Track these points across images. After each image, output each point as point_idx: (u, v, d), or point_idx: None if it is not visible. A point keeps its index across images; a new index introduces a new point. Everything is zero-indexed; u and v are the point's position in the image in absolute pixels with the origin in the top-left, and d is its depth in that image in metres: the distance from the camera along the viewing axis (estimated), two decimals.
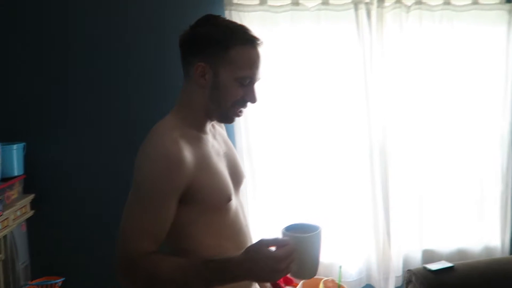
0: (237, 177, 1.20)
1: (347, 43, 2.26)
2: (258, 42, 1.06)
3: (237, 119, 1.15)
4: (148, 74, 2.22)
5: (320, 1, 2.21)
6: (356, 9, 2.22)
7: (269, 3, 2.18)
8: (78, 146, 2.21)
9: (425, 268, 1.88)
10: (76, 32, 2.17)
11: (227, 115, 1.11)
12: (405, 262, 2.43)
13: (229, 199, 1.10)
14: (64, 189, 2.21)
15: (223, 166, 1.14)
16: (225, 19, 1.15)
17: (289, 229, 1.02)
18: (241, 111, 1.11)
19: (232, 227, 1.13)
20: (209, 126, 1.16)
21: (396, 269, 2.41)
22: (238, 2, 2.17)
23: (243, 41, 1.04)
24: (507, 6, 2.35)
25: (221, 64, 1.05)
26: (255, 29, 1.11)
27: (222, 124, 1.28)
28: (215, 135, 1.20)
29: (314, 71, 2.25)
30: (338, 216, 2.33)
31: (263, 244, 0.94)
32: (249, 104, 1.11)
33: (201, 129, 1.12)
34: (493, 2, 2.36)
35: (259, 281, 0.99)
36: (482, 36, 2.36)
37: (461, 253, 2.48)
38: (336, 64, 2.26)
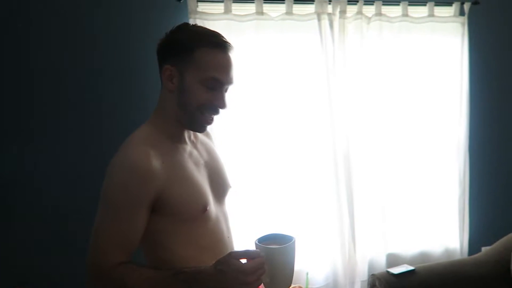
0: (219, 187, 1.18)
1: (311, 52, 2.30)
2: (227, 46, 1.05)
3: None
4: (117, 83, 2.18)
5: (284, 11, 2.25)
6: (319, 19, 2.27)
7: (234, 12, 2.19)
8: (32, 156, 2.13)
9: (388, 272, 1.93)
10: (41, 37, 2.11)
11: (196, 121, 1.08)
12: (370, 266, 2.48)
13: (204, 209, 1.08)
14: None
15: (201, 176, 1.13)
16: (199, 26, 1.15)
17: (263, 240, 1.01)
18: (211, 119, 1.09)
19: (210, 238, 1.11)
20: (187, 135, 1.14)
21: (362, 274, 2.45)
22: (203, 10, 2.18)
23: (209, 44, 1.04)
24: (461, 18, 2.47)
25: (187, 67, 1.04)
26: None
27: (209, 134, 1.29)
28: (196, 144, 1.18)
29: (278, 80, 2.27)
30: (304, 223, 2.35)
31: (232, 256, 0.94)
32: (220, 110, 1.08)
33: (176, 138, 1.11)
34: (448, 15, 2.48)
35: None
36: (438, 47, 2.46)
37: (423, 256, 2.56)
38: (300, 73, 2.30)
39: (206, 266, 0.97)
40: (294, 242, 0.99)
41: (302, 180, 2.35)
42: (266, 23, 2.22)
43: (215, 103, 1.06)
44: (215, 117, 1.11)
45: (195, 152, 1.15)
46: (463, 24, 2.47)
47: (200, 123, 1.09)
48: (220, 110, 1.08)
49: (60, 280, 2.08)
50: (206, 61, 1.03)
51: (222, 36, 1.07)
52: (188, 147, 1.14)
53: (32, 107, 2.13)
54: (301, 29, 2.27)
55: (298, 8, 2.27)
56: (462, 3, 2.46)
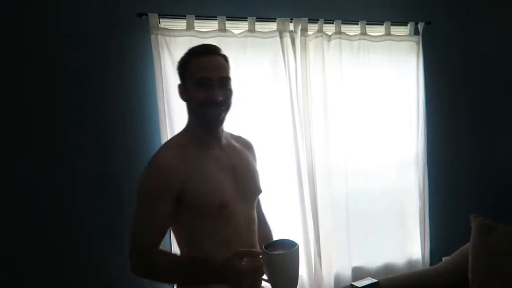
0: (246, 189, 1.30)
1: (273, 68, 2.33)
2: (209, 51, 1.24)
3: None
4: (83, 102, 2.13)
5: (247, 29, 2.27)
6: (281, 37, 2.31)
7: (197, 28, 2.20)
8: None
9: (352, 285, 1.94)
10: None
11: (205, 119, 1.24)
12: (336, 280, 2.50)
13: (221, 206, 1.21)
14: None
15: (224, 177, 1.26)
16: (197, 45, 1.31)
17: (272, 244, 1.09)
18: (218, 113, 1.23)
19: (229, 234, 1.23)
20: (216, 141, 1.29)
21: None
22: (165, 26, 2.17)
23: (195, 54, 1.24)
24: (416, 38, 2.59)
25: (186, 78, 1.24)
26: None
27: (251, 146, 1.46)
28: (226, 150, 1.32)
29: (241, 96, 2.27)
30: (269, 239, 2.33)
31: (236, 254, 1.08)
32: (219, 103, 1.21)
33: (202, 143, 1.27)
34: (404, 34, 2.60)
35: (232, 285, 1.09)
36: (395, 64, 2.57)
37: (387, 268, 2.61)
38: (262, 89, 2.32)
39: (218, 259, 1.10)
40: (295, 249, 1.05)
41: (266, 194, 2.33)
42: (228, 40, 2.24)
43: (211, 98, 1.20)
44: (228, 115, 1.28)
45: (222, 156, 1.29)
46: (417, 42, 2.59)
47: (209, 120, 1.24)
48: (218, 103, 1.21)
49: None
50: (194, 68, 1.22)
51: (208, 44, 1.30)
52: (215, 151, 1.28)
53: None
54: (263, 46, 2.30)
55: (260, 26, 2.31)
56: (417, 23, 2.59)
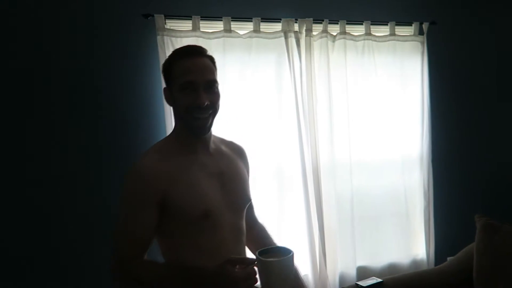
0: (233, 198, 1.24)
1: (278, 69, 2.34)
2: (193, 52, 1.18)
3: None
4: (88, 102, 2.14)
5: (252, 29, 2.29)
6: (285, 37, 2.32)
7: (202, 29, 2.21)
8: None
9: (357, 285, 1.94)
10: None
11: (191, 125, 1.17)
12: (341, 280, 2.50)
13: (205, 215, 1.14)
14: None
15: (209, 184, 1.20)
16: (180, 47, 1.26)
17: (266, 251, 1.06)
18: (204, 119, 1.16)
19: (213, 244, 1.17)
20: (202, 147, 1.23)
21: (333, 287, 2.46)
22: (171, 27, 2.18)
23: (178, 56, 1.18)
24: (420, 37, 2.59)
25: (171, 82, 1.19)
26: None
27: (243, 152, 1.38)
28: (214, 156, 1.26)
29: (246, 97, 2.29)
30: (273, 237, 2.33)
31: (228, 261, 1.04)
32: (204, 108, 1.14)
33: (187, 148, 1.21)
34: (408, 34, 2.60)
35: None
36: (400, 64, 2.57)
37: (392, 268, 2.62)
38: (267, 89, 2.34)
39: (208, 266, 1.06)
40: (290, 256, 1.02)
41: (271, 193, 2.36)
42: (234, 40, 2.26)
43: (196, 103, 1.13)
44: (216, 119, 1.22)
45: (209, 162, 1.23)
46: (422, 42, 2.59)
47: (194, 125, 1.17)
48: (204, 107, 1.14)
49: None
50: (178, 71, 1.16)
51: (192, 46, 1.24)
52: (202, 157, 1.22)
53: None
54: (268, 47, 2.32)
55: (265, 26, 2.32)
56: (421, 23, 2.59)
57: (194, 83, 1.14)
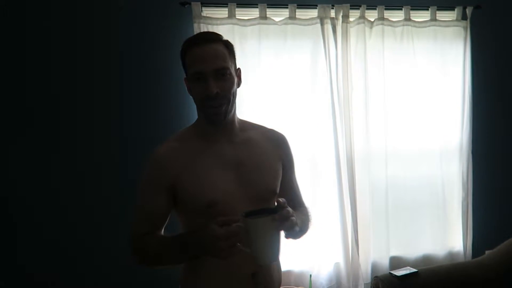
0: (250, 189, 1.18)
1: (314, 56, 2.32)
2: (201, 40, 1.15)
3: None
4: (125, 88, 2.22)
5: (287, 16, 2.27)
6: (322, 24, 2.30)
7: (238, 16, 2.23)
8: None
9: (391, 274, 1.93)
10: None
11: (206, 115, 1.17)
12: (374, 269, 2.49)
13: (210, 205, 1.12)
14: None
15: (222, 173, 1.16)
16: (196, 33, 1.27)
17: (254, 213, 1.01)
18: (218, 108, 1.13)
19: None
20: (224, 135, 1.20)
21: (365, 276, 2.46)
22: (207, 15, 2.21)
23: (189, 45, 1.15)
24: (463, 22, 2.49)
25: (187, 72, 1.17)
26: None
27: (279, 137, 1.31)
28: (238, 145, 1.21)
29: (281, 84, 2.30)
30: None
31: (215, 221, 1.01)
32: (217, 98, 1.11)
33: (207, 136, 1.20)
34: (450, 19, 2.50)
35: (210, 255, 1.02)
36: (441, 51, 2.48)
37: (426, 259, 2.57)
38: (303, 76, 2.32)
39: (197, 229, 1.06)
40: (272, 217, 0.98)
41: (305, 183, 2.37)
42: (269, 27, 2.25)
43: (206, 93, 1.11)
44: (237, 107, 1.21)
45: (228, 151, 1.19)
46: (465, 28, 2.48)
47: (209, 113, 1.15)
48: (214, 96, 1.11)
49: None
50: (189, 61, 1.15)
51: (202, 33, 1.25)
52: (221, 146, 1.19)
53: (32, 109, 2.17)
54: (304, 34, 2.30)
55: (301, 13, 2.30)
56: (465, 8, 2.48)
57: (203, 73, 1.11)
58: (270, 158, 1.26)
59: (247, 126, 1.28)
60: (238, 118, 1.25)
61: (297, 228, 1.04)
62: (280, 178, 1.27)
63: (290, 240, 1.09)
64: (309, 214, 1.34)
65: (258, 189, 1.20)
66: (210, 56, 1.11)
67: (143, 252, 1.16)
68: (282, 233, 1.04)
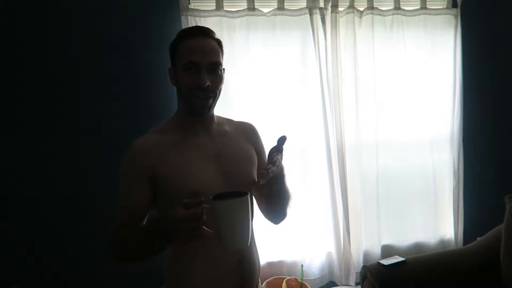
0: (231, 179, 1.20)
1: (303, 47, 2.31)
2: (198, 32, 1.19)
3: None
4: (114, 82, 2.21)
5: (276, 6, 2.26)
6: (310, 14, 2.28)
7: (226, 8, 2.21)
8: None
9: (378, 263, 1.95)
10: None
11: (192, 105, 1.19)
12: (365, 258, 2.52)
13: (192, 196, 1.08)
14: None
15: (204, 164, 1.20)
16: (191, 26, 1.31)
17: (224, 195, 0.98)
18: (205, 99, 1.17)
19: (206, 225, 1.10)
20: (203, 128, 1.24)
21: (357, 265, 2.49)
22: (194, 7, 2.20)
23: (184, 36, 1.20)
24: (453, 10, 2.47)
25: (176, 61, 1.21)
26: None
27: (249, 126, 1.37)
28: (214, 137, 1.26)
29: (270, 75, 2.29)
30: (298, 215, 2.37)
31: (178, 204, 0.97)
32: (206, 89, 1.15)
33: (186, 128, 1.23)
34: (441, 7, 2.48)
35: (175, 239, 1.01)
36: (431, 39, 2.46)
37: (418, 247, 2.59)
38: (292, 68, 2.32)
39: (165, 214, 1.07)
40: (241, 199, 0.95)
41: (296, 173, 2.38)
42: (257, 19, 2.24)
43: (197, 83, 1.15)
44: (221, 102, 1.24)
45: (207, 143, 1.24)
46: (455, 16, 2.47)
47: (195, 105, 1.18)
48: (205, 88, 1.15)
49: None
50: (183, 50, 1.18)
51: (199, 27, 1.24)
52: (200, 138, 1.23)
53: (30, 106, 2.17)
54: (293, 24, 2.28)
55: (289, 3, 2.29)
56: None
57: (198, 64, 1.15)
58: (246, 149, 1.32)
59: (221, 120, 1.33)
60: (214, 114, 1.30)
61: (282, 174, 1.18)
62: (256, 167, 1.32)
63: (268, 196, 1.23)
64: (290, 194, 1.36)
65: (238, 179, 1.23)
66: (207, 49, 1.17)
67: (117, 244, 1.13)
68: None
